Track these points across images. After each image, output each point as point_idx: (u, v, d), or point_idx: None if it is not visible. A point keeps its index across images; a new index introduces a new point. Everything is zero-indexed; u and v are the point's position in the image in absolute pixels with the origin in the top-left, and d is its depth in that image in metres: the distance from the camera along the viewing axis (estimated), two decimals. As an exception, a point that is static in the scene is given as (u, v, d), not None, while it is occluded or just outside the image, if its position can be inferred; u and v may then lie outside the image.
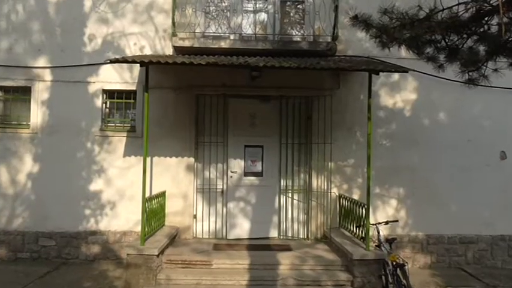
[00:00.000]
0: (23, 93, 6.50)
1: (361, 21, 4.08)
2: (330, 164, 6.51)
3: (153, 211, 5.71)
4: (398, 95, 6.70)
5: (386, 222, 5.54)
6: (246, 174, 6.52)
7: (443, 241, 6.54)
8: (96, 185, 6.48)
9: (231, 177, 6.37)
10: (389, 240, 5.22)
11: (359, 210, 5.58)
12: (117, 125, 6.62)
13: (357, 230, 5.63)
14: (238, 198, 6.54)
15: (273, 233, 6.65)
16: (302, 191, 6.72)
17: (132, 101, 6.63)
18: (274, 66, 5.13)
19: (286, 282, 5.10)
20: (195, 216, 6.62)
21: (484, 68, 4.19)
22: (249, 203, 6.56)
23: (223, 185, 6.68)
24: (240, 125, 6.50)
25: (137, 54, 6.46)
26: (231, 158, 6.45)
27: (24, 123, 6.50)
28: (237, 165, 6.50)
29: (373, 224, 5.42)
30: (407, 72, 5.29)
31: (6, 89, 6.54)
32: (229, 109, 6.63)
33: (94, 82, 6.53)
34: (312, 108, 6.58)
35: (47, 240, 6.36)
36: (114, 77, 6.54)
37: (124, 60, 5.15)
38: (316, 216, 6.54)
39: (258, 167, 6.57)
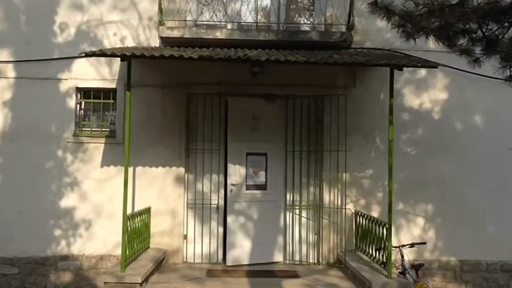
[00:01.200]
0: (-20, 92, 6.42)
1: (381, 7, 3.98)
2: (344, 175, 6.49)
3: (136, 231, 5.71)
4: (425, 94, 6.72)
5: (412, 245, 5.58)
6: (247, 187, 6.50)
7: (481, 268, 6.54)
8: (68, 201, 6.47)
9: (231, 191, 6.36)
10: (416, 266, 5.26)
11: (379, 230, 5.56)
12: (93, 129, 6.63)
13: (377, 254, 5.61)
14: (237, 215, 6.49)
15: (278, 257, 6.66)
16: (312, 207, 6.72)
17: (111, 101, 6.64)
18: (279, 60, 5.14)
19: (293, 316, 5.00)
20: (185, 237, 6.62)
21: (530, 63, 4.08)
22: (249, 221, 6.52)
23: (218, 199, 6.67)
24: (240, 129, 6.48)
25: (117, 46, 6.45)
26: (230, 167, 6.44)
27: (-19, 127, 6.41)
28: (237, 176, 6.47)
29: (395, 247, 5.45)
30: (436, 67, 5.28)
31: (-41, 88, 6.43)
32: (226, 111, 6.63)
33: (66, 79, 6.53)
34: (324, 110, 6.60)
35: (8, 267, 6.33)
36: (90, 73, 6.54)
37: (102, 54, 5.13)
38: (328, 237, 6.52)
39: (262, 178, 6.58)
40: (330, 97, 6.47)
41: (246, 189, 6.51)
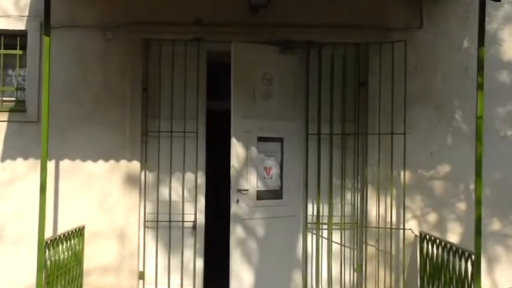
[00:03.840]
0: None
1: None
2: (402, 174, 6.34)
3: (61, 266, 5.59)
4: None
5: (518, 291, 5.41)
6: (259, 195, 6.30)
7: None
8: None
9: (237, 201, 6.09)
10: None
11: (461, 266, 5.34)
12: (-12, 98, 6.63)
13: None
14: (243, 244, 6.22)
15: (293, 308, 6.56)
16: (348, 225, 6.60)
17: (18, 52, 6.56)
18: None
19: None
20: (141, 275, 6.49)
21: None
22: (249, 248, 6.23)
23: (196, 214, 6.54)
24: (246, 97, 6.27)
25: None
26: (234, 161, 6.14)
27: None
28: (245, 176, 6.23)
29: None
30: None
31: None
32: (209, 68, 6.65)
33: None
34: (369, 67, 6.47)
35: None
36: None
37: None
38: (375, 275, 6.39)
39: (275, 180, 6.53)
40: (380, 46, 6.36)
41: (258, 199, 6.37)
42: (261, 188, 6.43)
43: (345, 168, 6.59)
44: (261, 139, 6.42)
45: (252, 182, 6.34)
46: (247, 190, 6.26)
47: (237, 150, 6.26)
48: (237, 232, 6.18)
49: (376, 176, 6.41)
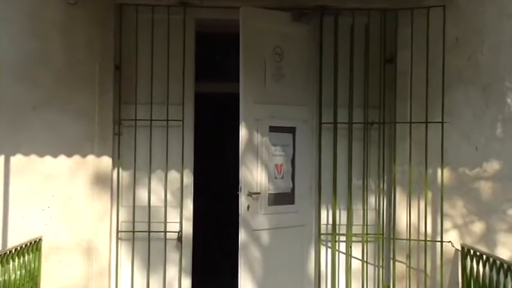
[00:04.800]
0: None
1: None
2: (439, 173, 6.20)
3: None
4: None
5: None
6: (270, 199, 6.33)
7: None
8: None
9: (248, 208, 6.00)
10: None
11: None
12: None
13: None
14: (251, 265, 6.19)
15: None
16: (373, 237, 6.48)
17: None
18: None
19: None
20: None
21: None
22: (259, 267, 6.19)
23: (182, 222, 6.44)
24: (256, 76, 6.23)
25: None
26: (245, 155, 6.08)
27: None
28: (255, 175, 6.17)
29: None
30: None
31: None
32: (198, 39, 6.60)
33: None
34: (397, 39, 6.37)
35: None
36: None
37: None
38: None
39: (287, 180, 6.48)
40: (412, 12, 6.24)
41: (269, 204, 6.30)
42: (272, 190, 6.41)
43: (368, 165, 6.47)
44: (272, 129, 6.38)
45: (263, 184, 6.31)
46: (258, 193, 6.21)
47: (247, 144, 6.20)
48: (247, 247, 6.16)
49: (406, 175, 6.28)
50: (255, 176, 6.24)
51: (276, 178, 6.40)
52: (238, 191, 6.14)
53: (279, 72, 6.43)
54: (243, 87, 6.10)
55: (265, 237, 6.32)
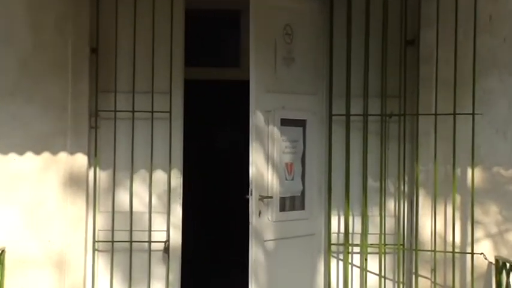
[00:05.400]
0: None
1: None
2: (470, 173, 6.04)
3: None
4: None
5: None
6: (282, 204, 6.27)
7: None
8: None
9: (259, 214, 6.00)
10: None
11: None
12: None
13: None
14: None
15: None
16: (391, 248, 6.33)
17: None
18: None
19: None
20: None
21: None
22: (269, 284, 6.16)
23: (169, 231, 6.30)
24: (266, 61, 6.17)
25: None
26: (254, 152, 6.03)
27: None
28: (265, 175, 6.15)
29: None
30: None
31: None
32: (187, 18, 6.51)
33: None
34: (420, 18, 6.22)
35: None
36: None
37: None
38: None
39: (297, 182, 6.39)
40: None
41: (280, 209, 6.21)
42: (283, 193, 6.32)
43: (386, 164, 6.28)
44: (282, 122, 6.33)
45: (275, 186, 6.21)
46: (270, 197, 6.09)
47: (258, 140, 6.08)
48: (258, 261, 6.03)
49: (431, 175, 6.10)
50: (265, 177, 6.16)
51: (286, 179, 6.29)
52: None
53: (289, 55, 6.34)
54: (254, 73, 6.00)
55: (275, 249, 6.22)
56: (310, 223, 6.42)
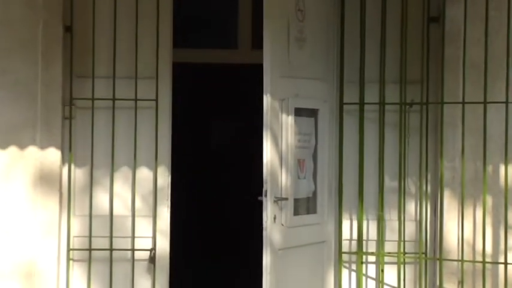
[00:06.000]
0: None
1: None
2: (503, 170, 5.89)
3: None
4: None
5: None
6: (297, 206, 6.13)
7: None
8: None
9: (274, 218, 5.83)
10: None
11: None
12: None
13: None
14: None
15: None
16: (412, 257, 6.20)
17: None
18: None
19: None
20: None
21: None
22: None
23: (155, 237, 6.18)
24: (278, 40, 6.00)
25: None
26: (268, 145, 5.88)
27: None
28: (279, 171, 5.99)
29: None
30: None
31: None
32: None
33: None
34: None
35: None
36: None
37: None
38: None
39: (309, 181, 6.27)
40: None
41: (294, 213, 6.08)
42: (296, 194, 6.18)
43: (406, 160, 6.12)
44: (296, 112, 6.18)
45: (289, 186, 6.05)
46: (286, 199, 5.94)
47: (272, 133, 5.89)
48: (273, 273, 5.84)
49: (458, 173, 5.90)
50: (279, 175, 6.00)
51: (299, 178, 6.11)
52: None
53: (301, 35, 6.17)
54: (269, 55, 5.83)
55: (287, 259, 6.06)
56: (321, 228, 6.33)
